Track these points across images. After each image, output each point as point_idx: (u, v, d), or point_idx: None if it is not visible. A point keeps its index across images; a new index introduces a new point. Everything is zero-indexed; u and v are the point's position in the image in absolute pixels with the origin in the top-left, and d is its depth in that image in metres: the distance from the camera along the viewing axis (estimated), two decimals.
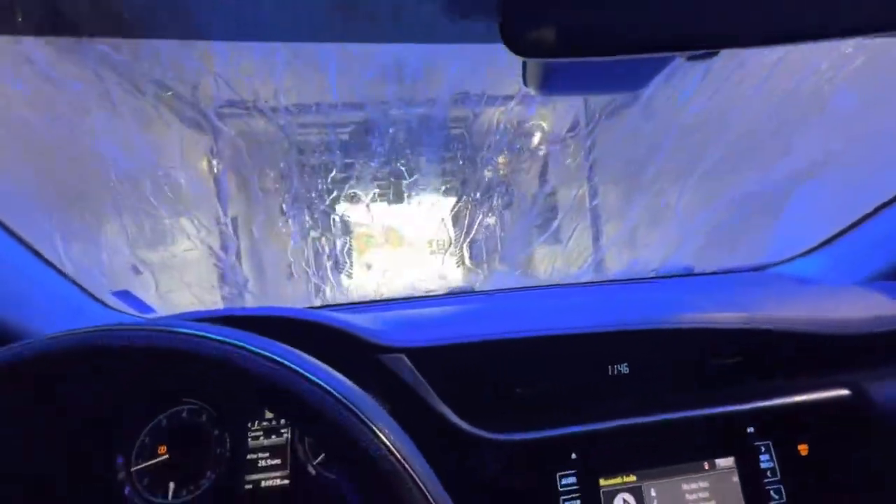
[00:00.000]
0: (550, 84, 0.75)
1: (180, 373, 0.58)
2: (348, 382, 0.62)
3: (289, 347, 0.63)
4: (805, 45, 0.55)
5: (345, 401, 0.57)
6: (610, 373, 1.05)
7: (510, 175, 2.43)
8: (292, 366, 0.58)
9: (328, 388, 0.58)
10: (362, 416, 0.57)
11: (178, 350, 0.58)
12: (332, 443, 0.57)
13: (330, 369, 0.63)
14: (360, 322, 1.02)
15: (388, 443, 0.57)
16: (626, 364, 1.06)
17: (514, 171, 2.40)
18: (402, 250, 2.60)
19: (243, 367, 0.57)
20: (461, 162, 2.39)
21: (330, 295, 2.21)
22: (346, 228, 2.51)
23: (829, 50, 1.67)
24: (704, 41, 0.51)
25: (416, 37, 0.76)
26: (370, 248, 2.65)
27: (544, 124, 2.42)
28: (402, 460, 0.56)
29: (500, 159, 2.40)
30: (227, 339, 0.59)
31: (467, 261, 2.32)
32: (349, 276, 2.50)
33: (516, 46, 0.54)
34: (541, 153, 2.43)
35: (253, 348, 0.59)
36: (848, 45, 1.56)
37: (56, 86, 1.51)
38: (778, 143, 1.89)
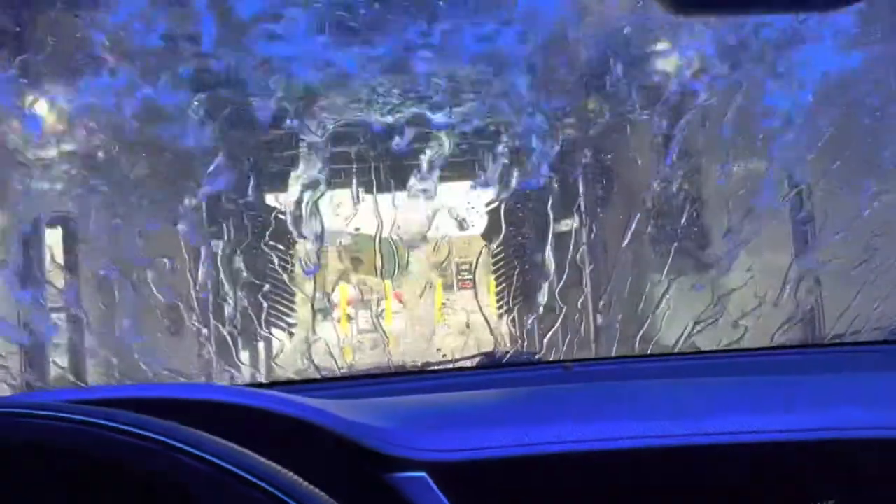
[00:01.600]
0: None
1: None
2: None
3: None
4: None
5: None
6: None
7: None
8: None
9: None
10: None
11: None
12: None
13: None
14: (337, 412, 0.77)
15: None
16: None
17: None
18: (396, 280, 2.04)
19: None
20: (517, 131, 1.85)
21: (247, 372, 1.62)
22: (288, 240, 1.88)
23: None
24: None
25: None
26: (337, 278, 2.04)
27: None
28: None
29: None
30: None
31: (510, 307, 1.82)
32: (291, 332, 1.91)
33: None
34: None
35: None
36: None
37: None
38: None
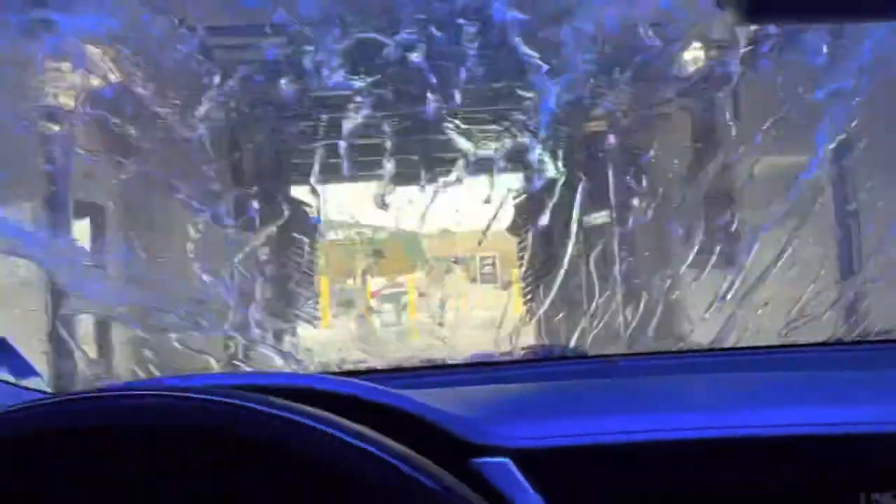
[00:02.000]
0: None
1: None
2: None
3: None
4: None
5: None
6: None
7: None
8: None
9: None
10: None
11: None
12: None
13: None
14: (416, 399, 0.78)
15: None
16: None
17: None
18: (420, 272, 2.04)
19: None
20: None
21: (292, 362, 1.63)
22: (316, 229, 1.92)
23: None
24: None
25: None
26: (371, 266, 2.09)
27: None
28: None
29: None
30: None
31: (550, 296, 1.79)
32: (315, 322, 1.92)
33: None
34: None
35: None
36: None
37: None
38: None
